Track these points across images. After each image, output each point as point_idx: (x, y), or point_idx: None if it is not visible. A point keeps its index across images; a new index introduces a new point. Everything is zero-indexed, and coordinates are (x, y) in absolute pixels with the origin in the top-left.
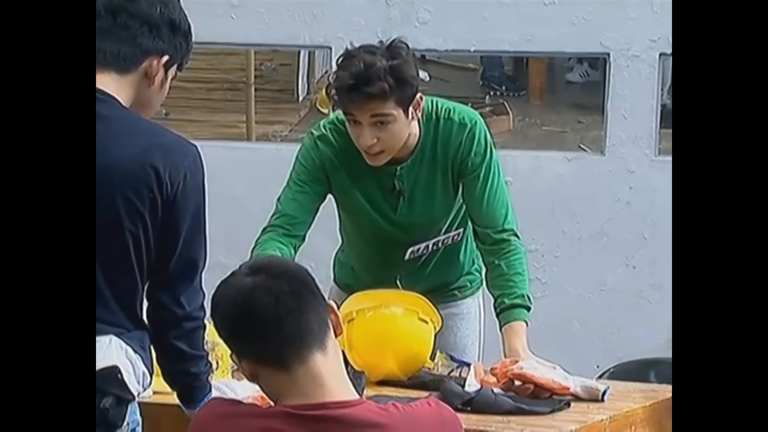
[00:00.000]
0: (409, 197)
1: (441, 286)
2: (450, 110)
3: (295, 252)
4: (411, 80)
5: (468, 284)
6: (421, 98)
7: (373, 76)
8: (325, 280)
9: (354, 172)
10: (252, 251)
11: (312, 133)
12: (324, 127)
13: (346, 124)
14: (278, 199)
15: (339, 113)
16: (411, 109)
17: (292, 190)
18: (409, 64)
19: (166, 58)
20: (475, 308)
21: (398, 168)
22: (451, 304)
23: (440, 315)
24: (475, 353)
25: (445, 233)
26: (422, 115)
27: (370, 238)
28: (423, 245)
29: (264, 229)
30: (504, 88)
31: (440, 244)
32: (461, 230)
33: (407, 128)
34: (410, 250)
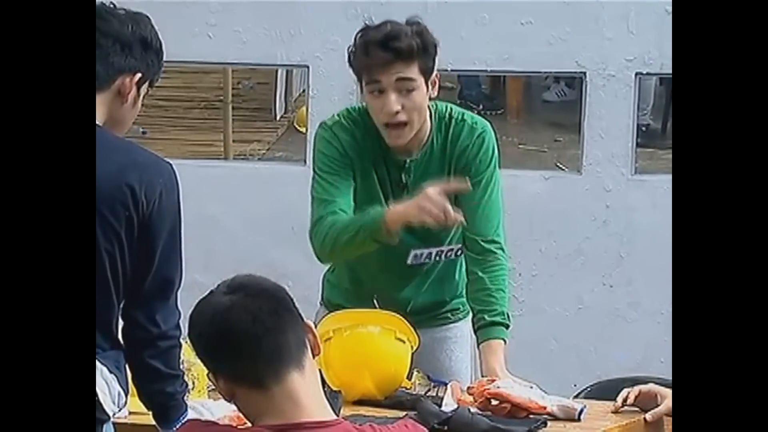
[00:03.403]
0: (413, 193)
1: (436, 305)
2: (463, 113)
3: None
4: (433, 48)
5: (461, 307)
6: (437, 77)
7: (402, 34)
8: (302, 298)
9: (367, 161)
10: (322, 241)
11: (325, 124)
12: (337, 116)
13: (368, 100)
14: (314, 191)
15: (348, 107)
16: (430, 84)
17: (326, 181)
18: (429, 34)
19: (138, 75)
20: (467, 331)
21: (408, 161)
22: (445, 327)
23: (419, 337)
24: (468, 376)
25: (447, 244)
26: (435, 115)
27: None
28: (426, 251)
29: (316, 222)
30: (481, 106)
31: (443, 256)
32: (461, 246)
33: (426, 104)
34: (413, 253)
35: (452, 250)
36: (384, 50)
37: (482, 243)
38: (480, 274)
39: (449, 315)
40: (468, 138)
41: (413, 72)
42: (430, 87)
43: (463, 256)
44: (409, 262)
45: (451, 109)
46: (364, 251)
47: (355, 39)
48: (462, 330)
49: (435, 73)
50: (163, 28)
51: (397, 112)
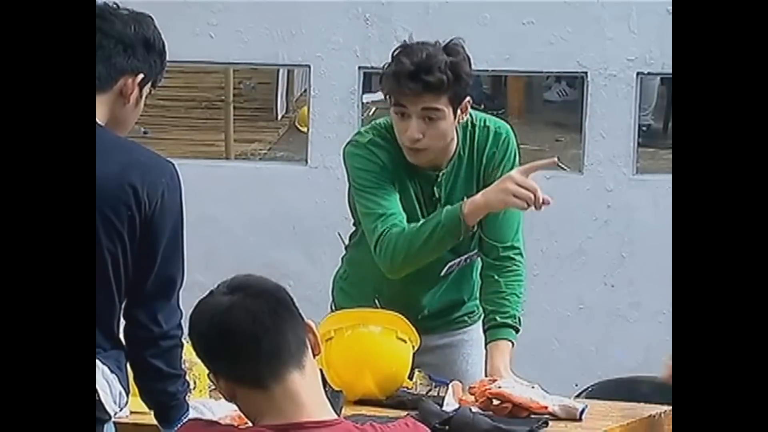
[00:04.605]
0: (446, 205)
1: (453, 307)
2: (485, 119)
3: None
4: (466, 78)
5: (476, 309)
6: (468, 102)
7: (434, 67)
8: (303, 298)
9: (403, 176)
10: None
11: (357, 142)
12: (368, 132)
13: (393, 118)
14: (364, 208)
15: (375, 122)
16: (459, 111)
17: (375, 194)
18: (466, 63)
19: (141, 76)
20: (480, 333)
21: (438, 174)
22: (462, 330)
23: (421, 338)
24: (482, 377)
25: (472, 249)
26: (459, 124)
27: None
28: (457, 260)
29: (378, 238)
30: (482, 106)
31: (469, 260)
32: (477, 249)
33: (452, 130)
34: (448, 265)
35: (475, 254)
36: (413, 81)
37: (501, 249)
38: (496, 277)
39: (466, 318)
40: (494, 145)
41: (441, 102)
42: (459, 113)
43: (478, 261)
44: (442, 273)
45: (472, 116)
46: (439, 253)
47: (391, 56)
48: (478, 332)
49: (466, 99)
50: (165, 28)
51: (418, 140)
